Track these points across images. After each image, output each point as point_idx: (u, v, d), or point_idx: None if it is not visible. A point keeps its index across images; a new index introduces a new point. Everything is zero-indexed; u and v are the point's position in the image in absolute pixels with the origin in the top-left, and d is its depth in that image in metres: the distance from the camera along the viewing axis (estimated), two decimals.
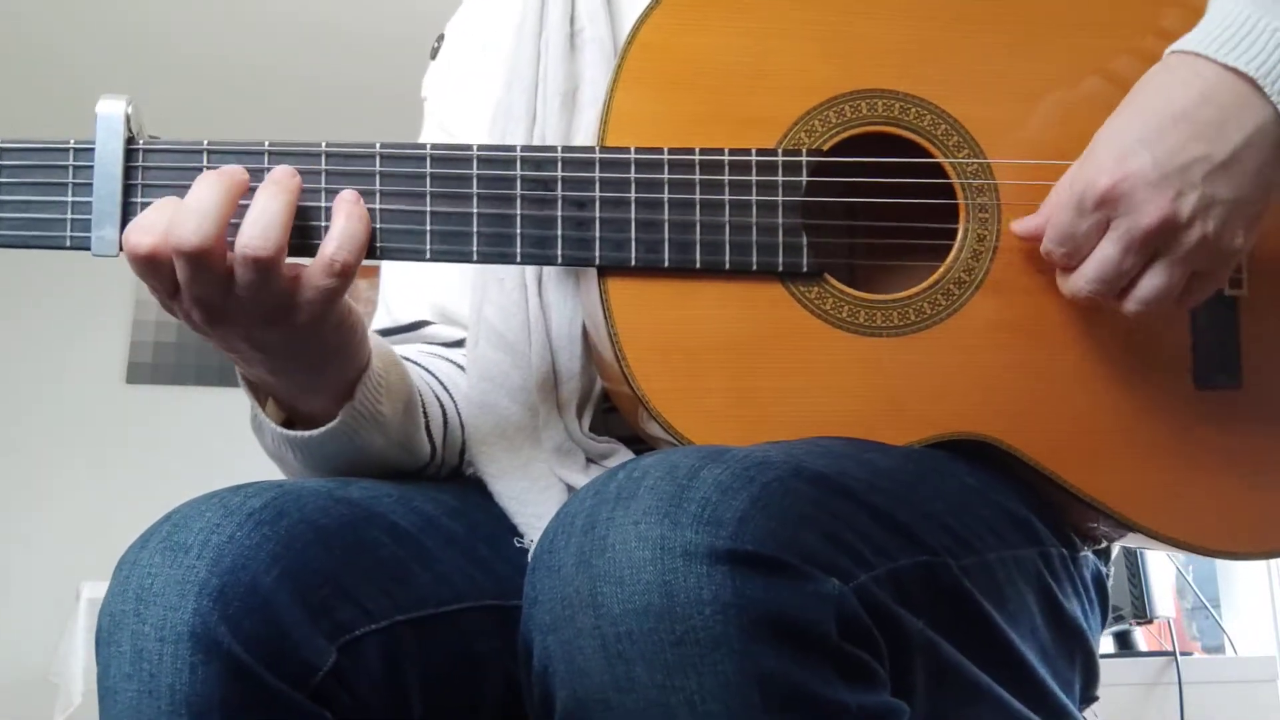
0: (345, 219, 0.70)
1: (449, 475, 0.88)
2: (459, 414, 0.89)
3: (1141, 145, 0.70)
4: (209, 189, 0.68)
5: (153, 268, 0.68)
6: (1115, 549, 0.92)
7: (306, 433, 0.77)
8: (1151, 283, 0.72)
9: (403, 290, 0.97)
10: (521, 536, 0.80)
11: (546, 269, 0.83)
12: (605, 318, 0.74)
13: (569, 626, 0.58)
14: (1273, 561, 2.78)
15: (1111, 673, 1.17)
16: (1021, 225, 0.77)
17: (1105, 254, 0.72)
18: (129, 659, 0.62)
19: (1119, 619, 2.07)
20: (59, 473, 3.79)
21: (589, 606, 0.57)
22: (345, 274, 0.69)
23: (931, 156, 0.78)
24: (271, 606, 0.63)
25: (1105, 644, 2.16)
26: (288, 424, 0.78)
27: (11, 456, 3.80)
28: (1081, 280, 0.73)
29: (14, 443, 3.82)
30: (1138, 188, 0.70)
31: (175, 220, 0.67)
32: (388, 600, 0.69)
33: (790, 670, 0.56)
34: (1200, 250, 0.71)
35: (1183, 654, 2.04)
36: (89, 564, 3.21)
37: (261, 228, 0.67)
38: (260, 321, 0.70)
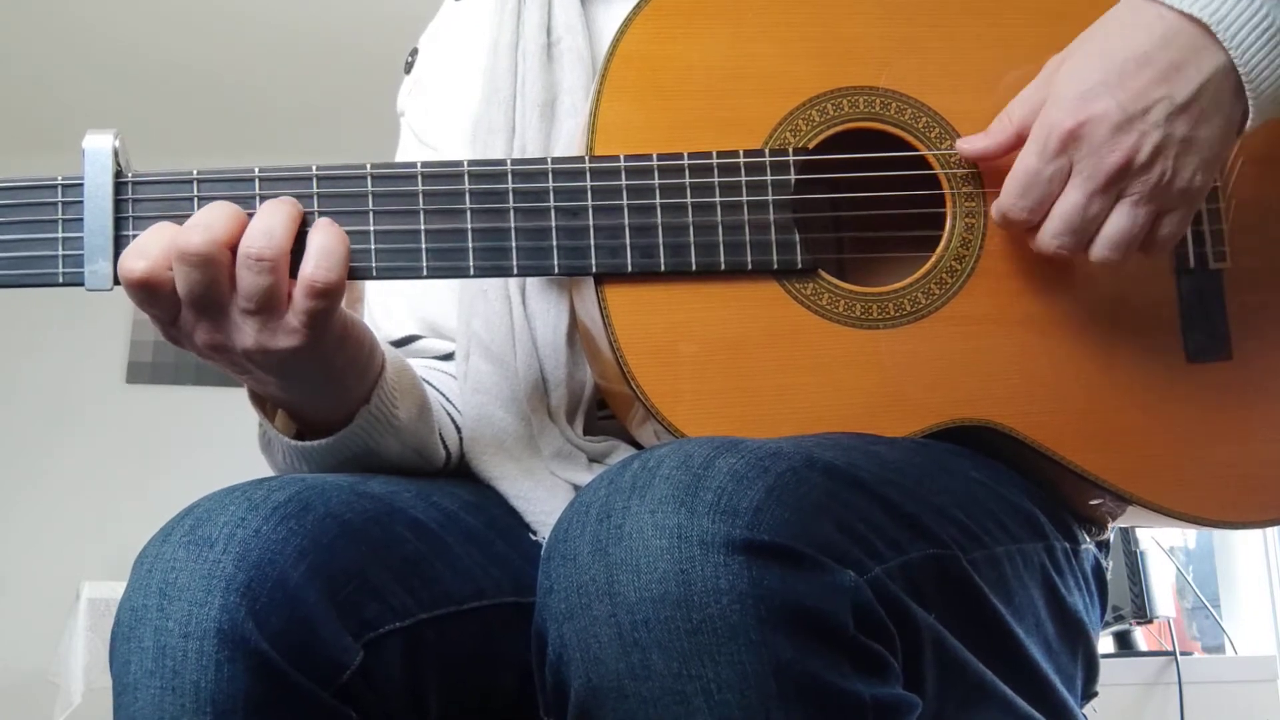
0: (322, 235, 0.70)
1: (464, 472, 0.88)
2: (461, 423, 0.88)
3: (1104, 88, 0.71)
4: (213, 208, 0.69)
5: (150, 291, 0.68)
6: (1112, 535, 0.92)
7: (319, 441, 0.77)
8: (1116, 223, 0.72)
9: (389, 306, 0.97)
10: (534, 532, 0.80)
11: (529, 278, 0.84)
12: (605, 324, 0.75)
13: (585, 615, 0.58)
14: (1273, 562, 2.80)
15: (1111, 673, 1.18)
16: (968, 144, 0.77)
17: (1071, 200, 0.72)
18: (151, 655, 0.61)
19: (1119, 619, 2.08)
20: (59, 473, 3.79)
21: (605, 595, 0.57)
22: (328, 294, 0.69)
23: (914, 150, 0.79)
24: (299, 603, 0.63)
25: (1105, 644, 2.16)
26: (299, 436, 0.78)
27: (11, 456, 3.81)
28: (1048, 235, 0.73)
29: (14, 443, 3.82)
30: (1101, 128, 0.70)
31: (181, 232, 0.68)
32: (411, 598, 0.69)
33: (806, 661, 0.56)
34: (1161, 189, 0.71)
35: (1183, 654, 2.04)
36: (89, 564, 3.21)
37: (264, 231, 0.68)
38: (260, 334, 0.69)
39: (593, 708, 0.58)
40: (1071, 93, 0.72)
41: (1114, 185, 0.71)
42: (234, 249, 0.68)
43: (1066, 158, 0.72)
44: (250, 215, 0.70)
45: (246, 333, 0.69)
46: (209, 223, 0.68)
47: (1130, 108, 0.70)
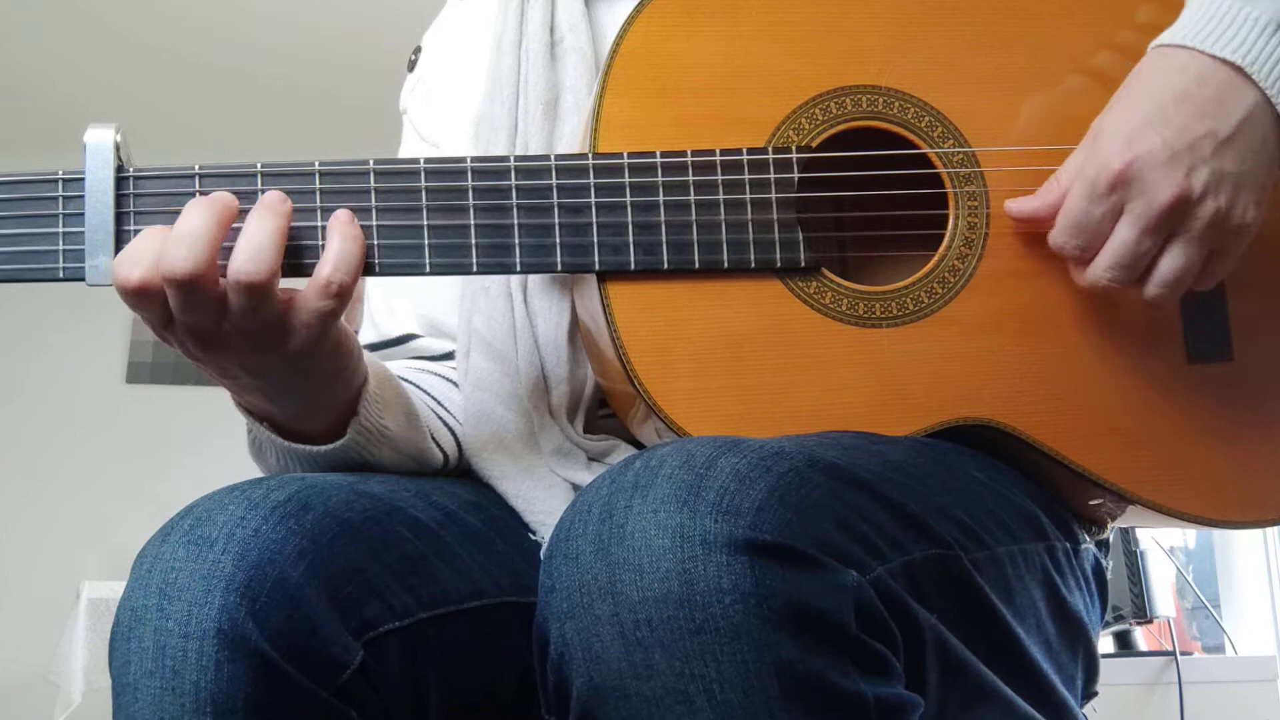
0: (340, 239, 0.70)
1: (464, 471, 0.88)
2: (455, 425, 0.88)
3: (1149, 126, 0.71)
4: (199, 215, 0.68)
5: (144, 299, 0.67)
6: (1111, 535, 0.92)
7: (318, 448, 0.77)
8: (1170, 263, 0.72)
9: (389, 303, 0.97)
10: (534, 532, 0.80)
11: (531, 275, 0.84)
12: (607, 321, 0.75)
13: (587, 614, 0.58)
14: (1273, 562, 2.80)
15: (1111, 673, 1.18)
16: (1017, 206, 0.77)
17: (1122, 238, 0.72)
18: (151, 655, 0.61)
19: (1119, 619, 2.08)
20: (59, 473, 3.81)
21: (607, 594, 0.57)
22: (342, 295, 0.69)
23: (917, 148, 0.79)
24: (299, 602, 0.63)
25: (1105, 644, 2.16)
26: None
27: (12, 456, 3.82)
28: (1100, 269, 0.73)
29: (14, 443, 3.83)
30: (1149, 167, 0.71)
31: (166, 248, 0.66)
32: (411, 597, 0.69)
33: (809, 660, 0.56)
34: (1214, 226, 0.71)
35: (1183, 654, 2.05)
36: (89, 564, 3.22)
37: (253, 252, 0.67)
38: (254, 348, 0.69)
39: (595, 707, 0.58)
40: (1115, 136, 0.72)
41: (1165, 223, 0.71)
42: (224, 257, 0.67)
43: (1117, 197, 0.72)
44: (243, 211, 0.69)
45: (239, 347, 0.69)
46: (194, 235, 0.66)
47: (1176, 144, 0.71)
